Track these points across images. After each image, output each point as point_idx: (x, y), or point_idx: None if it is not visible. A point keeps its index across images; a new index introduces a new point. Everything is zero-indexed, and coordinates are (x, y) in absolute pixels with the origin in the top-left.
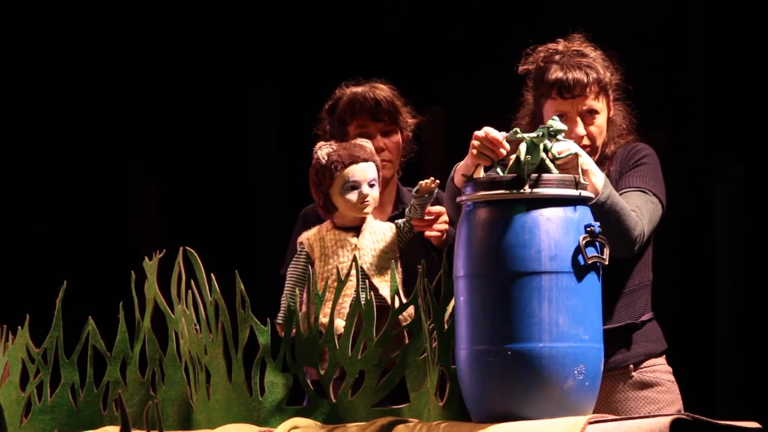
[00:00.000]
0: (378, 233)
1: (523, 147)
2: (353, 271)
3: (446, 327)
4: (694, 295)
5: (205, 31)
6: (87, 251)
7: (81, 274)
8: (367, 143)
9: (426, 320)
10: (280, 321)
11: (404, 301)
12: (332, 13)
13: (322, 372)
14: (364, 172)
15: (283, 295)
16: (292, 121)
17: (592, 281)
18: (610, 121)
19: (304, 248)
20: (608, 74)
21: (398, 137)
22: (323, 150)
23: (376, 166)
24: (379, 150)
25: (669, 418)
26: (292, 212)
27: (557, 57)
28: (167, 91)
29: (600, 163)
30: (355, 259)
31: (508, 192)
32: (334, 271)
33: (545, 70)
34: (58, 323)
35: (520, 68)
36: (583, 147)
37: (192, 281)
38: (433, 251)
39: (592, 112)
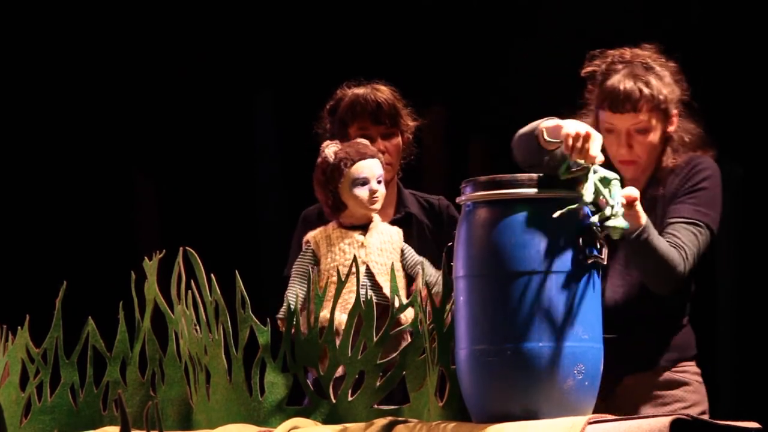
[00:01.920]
0: (385, 234)
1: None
2: (359, 269)
3: (446, 327)
4: (694, 296)
5: (205, 31)
6: (87, 251)
7: (81, 274)
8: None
9: (426, 320)
10: (281, 316)
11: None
12: (332, 12)
13: (322, 372)
14: (372, 168)
15: (287, 292)
16: (292, 121)
17: (592, 281)
18: (668, 137)
19: (310, 246)
20: (670, 91)
21: (398, 140)
22: (330, 149)
23: (381, 163)
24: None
25: (669, 418)
26: (292, 212)
27: (620, 66)
28: (167, 91)
29: (653, 179)
30: (355, 259)
31: (508, 192)
32: (341, 267)
33: (606, 76)
34: (57, 323)
35: (584, 70)
36: (628, 163)
37: (192, 281)
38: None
39: (643, 131)
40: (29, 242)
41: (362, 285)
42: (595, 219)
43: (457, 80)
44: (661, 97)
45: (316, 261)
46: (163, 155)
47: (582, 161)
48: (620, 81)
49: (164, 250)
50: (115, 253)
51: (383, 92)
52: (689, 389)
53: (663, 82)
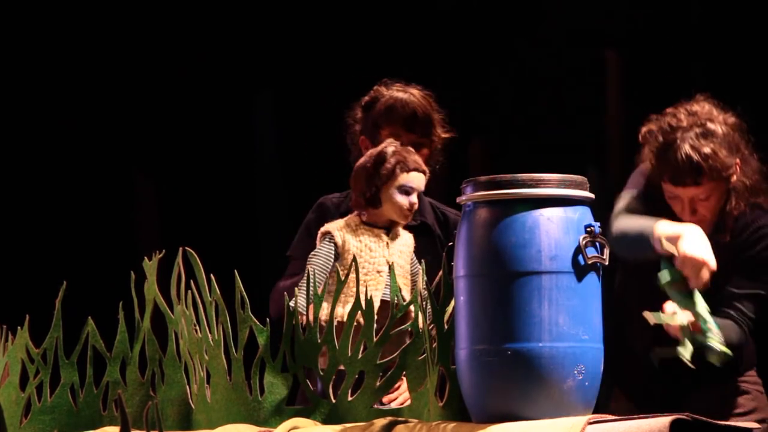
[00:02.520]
0: (403, 237)
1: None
2: (384, 268)
3: (446, 327)
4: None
5: (205, 31)
6: (87, 251)
7: (81, 274)
8: None
9: (426, 320)
10: (301, 310)
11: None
12: (332, 13)
13: (321, 373)
14: (420, 182)
15: (302, 282)
16: (292, 121)
17: (592, 281)
18: (732, 188)
19: (332, 239)
20: (730, 152)
21: (427, 150)
22: (390, 147)
23: (425, 179)
24: None
25: (669, 419)
26: (291, 212)
27: (679, 134)
28: (167, 91)
29: (719, 226)
30: (354, 259)
31: (508, 192)
32: (366, 264)
33: (665, 147)
34: (57, 323)
35: (642, 134)
36: (693, 222)
37: (192, 281)
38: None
39: (706, 198)
40: (29, 242)
41: (386, 285)
42: (686, 348)
43: (458, 80)
44: (720, 165)
45: (338, 255)
46: (163, 155)
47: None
48: (680, 154)
49: (164, 250)
50: (115, 253)
51: (419, 100)
52: (748, 397)
53: (723, 145)
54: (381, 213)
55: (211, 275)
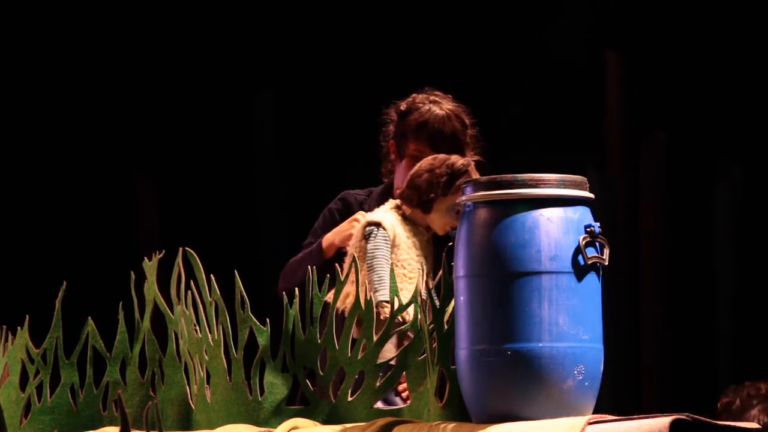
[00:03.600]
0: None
1: None
2: (417, 266)
3: (446, 327)
4: (694, 295)
5: (205, 31)
6: (87, 251)
7: (81, 274)
8: None
9: (426, 320)
10: (385, 299)
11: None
12: (332, 13)
13: (321, 373)
14: None
15: (379, 275)
16: (292, 121)
17: (592, 281)
18: None
19: (383, 230)
20: None
21: None
22: (465, 164)
23: None
24: None
25: (669, 419)
26: (291, 212)
27: (756, 402)
28: (167, 91)
29: None
30: (354, 259)
31: (508, 192)
32: (411, 261)
33: (740, 409)
34: (57, 324)
35: (722, 401)
36: None
37: (192, 282)
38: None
39: None
40: (29, 242)
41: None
42: None
43: (457, 81)
44: None
45: (390, 246)
46: (163, 155)
47: None
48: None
49: (164, 250)
50: (115, 253)
51: (452, 120)
52: None
53: None
54: (425, 218)
55: (211, 275)
